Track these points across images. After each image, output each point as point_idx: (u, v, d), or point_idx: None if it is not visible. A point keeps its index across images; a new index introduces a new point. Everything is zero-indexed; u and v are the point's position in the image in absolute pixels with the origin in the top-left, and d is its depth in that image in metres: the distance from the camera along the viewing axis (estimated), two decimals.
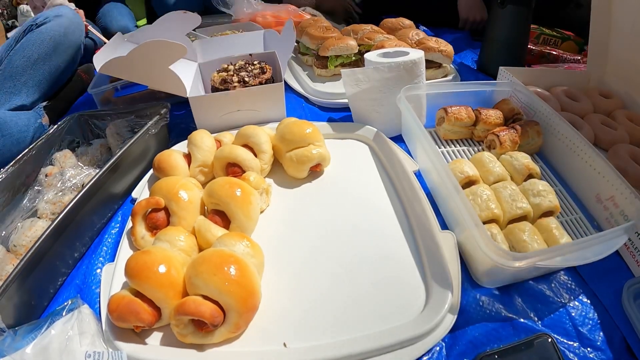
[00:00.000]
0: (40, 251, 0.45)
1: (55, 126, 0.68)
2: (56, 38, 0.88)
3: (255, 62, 0.77)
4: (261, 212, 0.57)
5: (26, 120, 0.80)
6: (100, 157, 0.68)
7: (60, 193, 0.57)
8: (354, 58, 0.91)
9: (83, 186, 0.58)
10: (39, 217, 0.55)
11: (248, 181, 0.55)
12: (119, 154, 0.58)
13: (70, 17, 0.92)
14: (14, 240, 0.51)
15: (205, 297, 0.41)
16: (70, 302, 0.44)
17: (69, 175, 0.60)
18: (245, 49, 0.84)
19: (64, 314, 0.43)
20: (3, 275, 0.47)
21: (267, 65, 0.75)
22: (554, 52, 0.97)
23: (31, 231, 0.52)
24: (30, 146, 0.63)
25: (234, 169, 0.58)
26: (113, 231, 0.58)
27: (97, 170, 0.59)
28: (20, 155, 0.61)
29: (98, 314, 0.47)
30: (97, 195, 0.55)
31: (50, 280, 0.50)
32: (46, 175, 0.60)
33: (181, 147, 0.68)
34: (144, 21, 1.39)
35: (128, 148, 0.60)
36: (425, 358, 0.42)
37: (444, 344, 0.44)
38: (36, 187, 0.59)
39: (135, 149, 0.63)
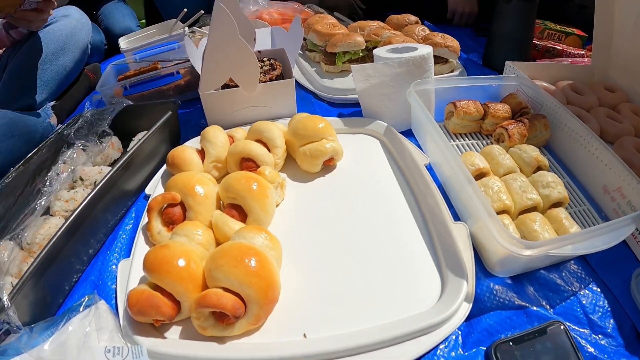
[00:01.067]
0: (55, 249, 0.45)
1: (65, 125, 0.68)
2: (63, 38, 0.89)
3: (264, 59, 0.77)
4: (276, 205, 0.58)
5: (34, 120, 0.80)
6: (111, 155, 0.68)
7: (73, 191, 0.58)
8: (361, 54, 0.91)
9: (96, 184, 0.59)
10: (51, 215, 0.55)
11: (263, 175, 0.55)
12: (130, 152, 0.59)
13: (77, 17, 0.94)
14: (27, 239, 0.51)
15: (226, 290, 0.41)
16: (87, 298, 0.44)
17: (81, 174, 0.60)
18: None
19: (80, 310, 0.43)
20: (16, 273, 0.47)
21: (276, 62, 0.76)
22: (559, 47, 0.98)
23: (44, 229, 0.52)
24: (40, 145, 0.64)
25: (248, 163, 0.59)
26: (127, 227, 0.59)
27: (110, 168, 0.60)
28: (30, 154, 0.62)
29: (115, 310, 0.47)
30: (110, 193, 0.56)
31: (65, 278, 0.50)
32: (57, 174, 0.60)
33: (193, 143, 0.69)
34: (142, 22, 1.39)
35: (140, 145, 0.60)
36: (442, 346, 0.43)
37: (460, 332, 0.44)
38: (47, 186, 0.59)
39: (147, 146, 0.63)
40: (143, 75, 0.84)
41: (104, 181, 0.54)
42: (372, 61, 0.75)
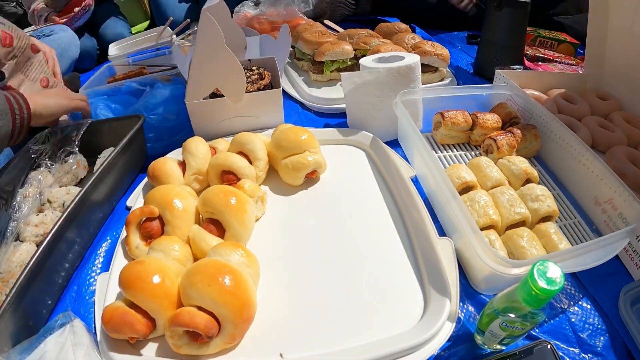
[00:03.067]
0: (30, 277, 0.44)
1: (28, 143, 0.65)
2: (63, 47, 0.99)
3: (253, 68, 0.76)
4: (257, 220, 0.57)
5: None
6: (78, 174, 0.66)
7: (42, 215, 0.56)
8: (349, 63, 0.90)
9: (65, 206, 0.58)
10: (21, 241, 0.54)
11: (243, 189, 0.54)
12: (97, 173, 0.57)
13: (72, 34, 1.06)
14: None
15: (200, 308, 0.40)
16: (61, 317, 0.44)
17: (48, 196, 0.59)
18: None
19: (55, 329, 0.42)
20: None
21: (265, 71, 0.75)
22: (550, 55, 0.97)
23: (16, 256, 0.51)
24: (5, 165, 0.61)
25: (229, 176, 0.58)
26: (105, 243, 0.58)
27: (77, 188, 0.60)
28: None
29: (93, 324, 0.46)
30: (82, 213, 0.54)
31: (44, 301, 0.49)
32: (24, 197, 0.58)
33: (176, 154, 0.68)
34: (144, 25, 1.40)
35: (107, 164, 0.58)
36: None
37: (443, 352, 0.43)
38: (17, 211, 0.57)
39: (115, 162, 0.61)
40: (130, 80, 0.85)
41: (73, 204, 0.51)
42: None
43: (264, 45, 0.90)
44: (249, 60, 0.80)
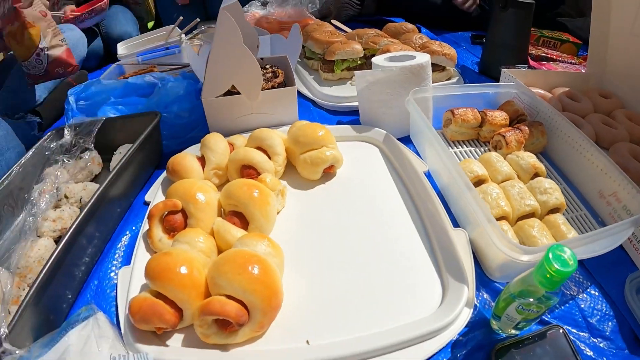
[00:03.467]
0: (52, 272, 0.44)
1: (41, 140, 0.66)
2: (71, 45, 0.94)
3: (267, 66, 0.78)
4: (277, 213, 0.58)
5: (27, 132, 0.80)
6: (93, 170, 0.67)
7: (60, 210, 0.57)
8: (359, 62, 0.92)
9: (81, 202, 0.58)
10: (39, 236, 0.54)
11: (265, 183, 0.56)
12: (116, 169, 0.57)
13: (80, 34, 1.04)
14: (17, 263, 0.49)
15: (229, 297, 0.41)
16: (84, 310, 0.44)
17: (65, 192, 0.59)
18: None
19: (78, 322, 0.42)
20: (10, 299, 0.46)
21: (279, 70, 0.77)
22: (553, 55, 1.00)
23: (34, 251, 0.51)
24: (20, 161, 0.61)
25: (249, 171, 0.59)
26: (124, 237, 0.58)
27: (94, 184, 0.61)
28: (9, 171, 0.59)
29: (114, 318, 0.47)
30: (101, 208, 0.55)
31: (64, 296, 0.49)
32: (39, 193, 0.58)
33: (194, 150, 0.69)
34: (150, 25, 1.40)
35: (125, 161, 0.59)
36: (444, 351, 0.43)
37: (461, 337, 0.45)
38: (30, 206, 0.57)
39: (132, 159, 0.61)
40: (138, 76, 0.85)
41: (93, 199, 0.52)
42: (371, 69, 0.76)
43: (275, 45, 0.91)
44: (262, 59, 0.81)
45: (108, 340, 0.42)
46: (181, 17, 1.03)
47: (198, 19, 1.05)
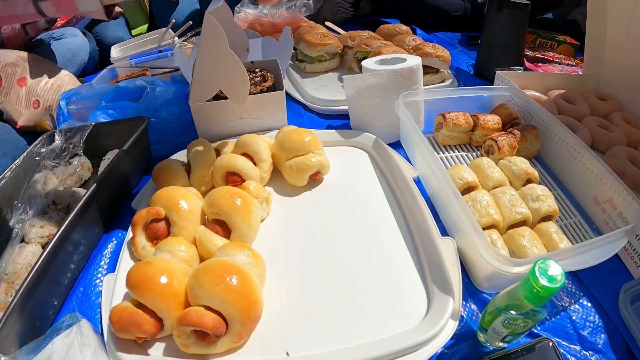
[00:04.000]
0: (37, 278, 0.44)
1: (32, 146, 0.65)
2: (72, 52, 0.98)
3: (256, 70, 0.77)
4: (261, 220, 0.57)
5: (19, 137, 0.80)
6: (82, 176, 0.67)
7: (47, 216, 0.57)
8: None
9: (69, 208, 0.58)
10: (26, 243, 0.54)
11: (248, 190, 0.55)
12: (103, 175, 0.57)
13: (83, 39, 1.05)
14: (4, 269, 0.50)
15: (208, 308, 0.41)
16: (68, 317, 0.44)
17: (54, 197, 0.59)
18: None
19: (62, 330, 0.43)
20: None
21: (268, 73, 0.76)
22: (549, 56, 0.98)
23: (22, 257, 0.51)
24: (10, 166, 0.61)
25: (234, 177, 0.58)
26: (111, 244, 0.58)
27: (82, 190, 0.60)
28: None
29: (99, 325, 0.47)
30: (88, 214, 0.54)
31: (50, 302, 0.49)
32: (29, 199, 0.58)
33: (180, 156, 0.68)
34: (144, 28, 1.40)
35: (113, 165, 0.59)
36: None
37: (447, 350, 0.44)
38: (19, 212, 0.57)
39: (120, 164, 0.61)
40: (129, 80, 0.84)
41: (79, 206, 0.52)
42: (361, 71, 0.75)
43: (266, 47, 0.91)
44: (252, 62, 0.80)
45: (90, 348, 0.42)
46: (174, 20, 1.03)
47: (191, 22, 1.04)
